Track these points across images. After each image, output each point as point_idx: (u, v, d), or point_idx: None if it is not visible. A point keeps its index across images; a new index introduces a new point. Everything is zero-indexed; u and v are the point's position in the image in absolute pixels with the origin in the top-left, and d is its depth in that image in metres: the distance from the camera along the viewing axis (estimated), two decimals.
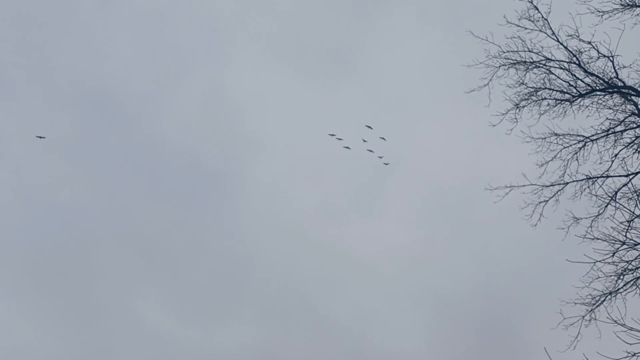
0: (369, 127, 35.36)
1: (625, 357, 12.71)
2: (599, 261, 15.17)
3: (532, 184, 17.60)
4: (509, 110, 17.58)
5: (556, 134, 17.26)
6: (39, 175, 61.43)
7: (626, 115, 16.63)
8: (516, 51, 17.20)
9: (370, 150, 34.72)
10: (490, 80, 17.59)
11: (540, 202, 17.61)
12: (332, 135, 34.84)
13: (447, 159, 63.35)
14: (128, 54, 64.66)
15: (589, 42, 16.51)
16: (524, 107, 17.47)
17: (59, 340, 52.59)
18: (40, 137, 33.86)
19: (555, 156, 17.32)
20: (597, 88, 16.82)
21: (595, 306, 15.47)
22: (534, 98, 17.44)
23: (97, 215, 62.51)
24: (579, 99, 17.12)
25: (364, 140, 35.07)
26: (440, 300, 54.97)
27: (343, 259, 62.25)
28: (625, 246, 15.01)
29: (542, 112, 17.37)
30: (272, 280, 61.39)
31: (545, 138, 17.33)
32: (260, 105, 70.45)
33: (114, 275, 57.89)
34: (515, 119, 17.53)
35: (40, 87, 63.20)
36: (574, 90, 17.06)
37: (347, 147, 34.55)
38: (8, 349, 49.35)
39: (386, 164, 34.48)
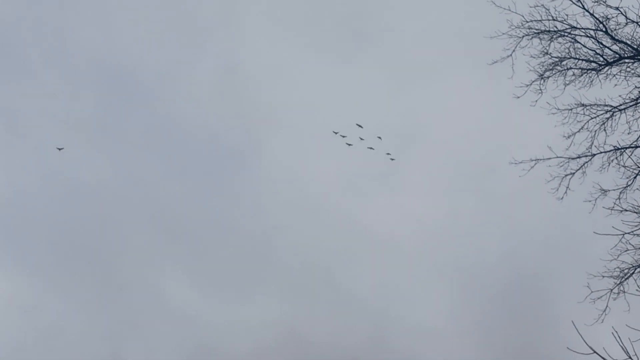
0: (359, 125, 35.00)
1: None
2: (628, 233, 14.90)
3: (558, 157, 17.22)
4: (533, 82, 17.15)
5: (583, 105, 16.84)
6: (60, 155, 61.93)
7: None
8: (540, 20, 16.72)
9: (371, 148, 34.35)
10: (514, 51, 17.17)
11: (566, 175, 17.26)
12: (336, 133, 34.47)
13: (469, 131, 62.56)
14: (144, 30, 64.41)
15: (617, 8, 15.98)
16: (548, 77, 17.03)
17: (86, 317, 53.48)
18: (60, 149, 34.70)
19: (582, 127, 16.92)
20: (626, 55, 16.32)
21: (623, 279, 15.25)
22: (558, 68, 16.98)
23: (119, 194, 63.03)
24: (606, 68, 16.64)
25: (361, 139, 34.71)
26: (465, 273, 54.52)
27: (365, 233, 62.08)
28: None
29: (567, 82, 16.93)
30: (295, 255, 61.55)
31: (571, 109, 16.91)
32: (277, 78, 69.88)
33: (138, 253, 58.52)
34: (540, 90, 17.11)
35: (57, 66, 63.42)
36: (601, 59, 16.57)
37: (349, 144, 34.25)
38: (37, 327, 50.40)
39: (392, 159, 34.20)
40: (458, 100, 63.82)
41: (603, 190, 16.22)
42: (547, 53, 17.03)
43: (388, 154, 33.71)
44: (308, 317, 54.24)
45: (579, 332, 12.06)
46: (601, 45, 16.60)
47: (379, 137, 33.79)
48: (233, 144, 67.05)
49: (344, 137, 33.71)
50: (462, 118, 60.86)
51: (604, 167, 16.67)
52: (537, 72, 17.04)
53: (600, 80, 16.80)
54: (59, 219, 59.58)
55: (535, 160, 17.48)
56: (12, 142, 62.57)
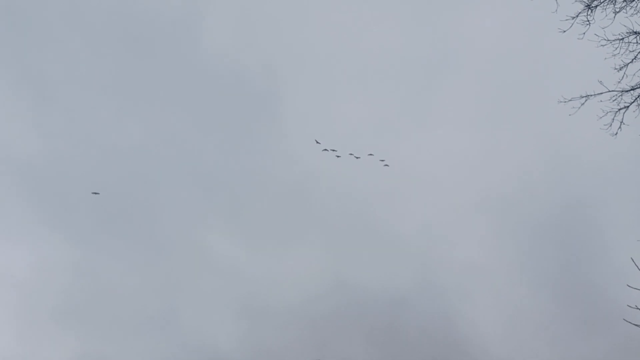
0: (317, 142, 33.98)
1: None
2: None
3: (610, 91, 16.07)
4: (579, 13, 15.82)
5: (636, 33, 15.52)
6: (91, 119, 61.92)
7: None
8: None
9: (371, 154, 33.42)
10: None
11: (620, 109, 16.14)
12: (318, 143, 33.53)
13: (502, 58, 60.20)
14: None
15: None
16: (596, 7, 15.68)
17: (138, 276, 54.56)
18: (95, 193, 35.17)
19: (635, 57, 15.65)
20: None
21: None
22: None
23: (152, 154, 63.07)
24: None
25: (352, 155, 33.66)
26: (509, 205, 53.15)
27: (401, 174, 61.10)
28: None
29: (617, 9, 15.57)
30: (332, 201, 61.17)
31: (622, 38, 15.61)
32: (297, 14, 67.76)
33: (179, 211, 58.89)
34: (588, 21, 15.80)
35: (78, 29, 62.78)
36: None
37: (338, 156, 33.33)
38: (92, 289, 51.64)
39: (386, 166, 33.34)
40: (491, 25, 61.12)
41: None
42: None
43: (382, 160, 33.05)
44: (353, 264, 54.21)
45: (639, 268, 11.42)
46: None
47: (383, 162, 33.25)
48: (259, 90, 65.43)
49: (326, 150, 33.15)
50: (499, 45, 58.40)
51: None
52: (584, 2, 15.70)
53: None
54: (97, 183, 60.03)
55: (585, 96, 16.38)
56: (42, 108, 62.67)
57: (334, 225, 54.73)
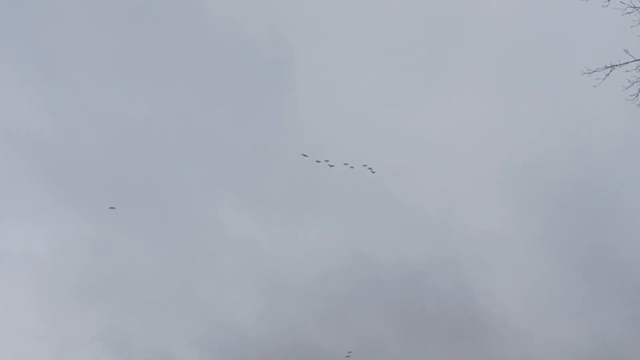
0: (305, 155, 33.13)
1: None
2: None
3: (637, 60, 15.20)
4: None
5: None
6: (101, 95, 61.44)
7: None
8: None
9: (351, 166, 32.62)
10: None
11: None
12: (305, 155, 32.73)
13: (520, 23, 58.30)
14: None
15: None
16: None
17: (155, 254, 54.64)
18: (112, 208, 35.60)
19: None
20: None
21: None
22: None
23: (163, 129, 62.30)
24: None
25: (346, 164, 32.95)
26: (528, 174, 51.64)
27: (416, 143, 59.96)
28: None
29: None
30: (346, 173, 60.25)
31: None
32: None
33: (193, 186, 58.53)
34: None
35: (82, 6, 61.92)
36: None
37: (331, 165, 32.44)
38: (109, 267, 51.83)
39: (373, 172, 32.59)
40: None
41: None
42: None
43: (365, 165, 32.23)
44: (369, 237, 53.54)
45: None
46: None
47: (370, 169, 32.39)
48: (268, 58, 63.85)
49: (327, 161, 32.47)
50: (517, 10, 56.45)
51: None
52: None
53: None
54: (110, 160, 59.85)
55: (610, 66, 15.56)
56: (50, 85, 62.27)
57: (348, 198, 54.05)
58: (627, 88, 15.72)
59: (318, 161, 31.98)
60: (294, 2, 61.82)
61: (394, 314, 47.11)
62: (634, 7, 14.78)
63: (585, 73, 15.66)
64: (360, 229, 53.15)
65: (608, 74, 15.70)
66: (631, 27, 15.10)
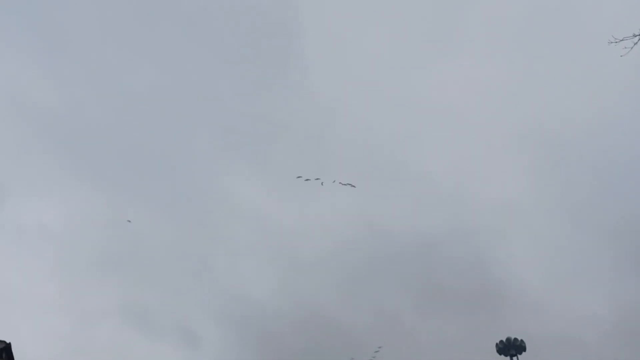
0: (299, 177, 32.27)
1: None
2: None
3: None
4: None
5: None
6: (106, 64, 60.24)
7: None
8: None
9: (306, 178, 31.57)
10: None
11: None
12: (300, 177, 31.78)
13: None
14: None
15: None
16: None
17: (170, 225, 54.26)
18: (129, 221, 36.83)
19: None
20: None
21: None
22: None
23: (171, 98, 61.19)
24: None
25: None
26: (546, 139, 49.37)
27: (428, 108, 58.19)
28: None
29: None
30: (356, 140, 58.64)
31: None
32: None
33: (199, 155, 57.46)
34: None
35: None
36: None
37: (322, 183, 31.46)
38: (123, 240, 51.42)
39: (322, 184, 31.44)
40: None
41: None
42: None
43: (352, 185, 31.23)
44: (381, 204, 52.27)
45: None
46: None
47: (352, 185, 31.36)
48: (275, 22, 61.50)
49: (317, 179, 31.65)
50: None
51: None
52: None
53: None
54: (119, 130, 58.99)
55: (639, 35, 14.28)
56: (55, 57, 61.10)
57: (358, 165, 52.65)
58: None
59: (308, 179, 31.40)
60: None
61: (410, 285, 46.45)
62: None
63: (612, 42, 14.47)
64: (370, 196, 51.89)
65: (636, 43, 14.48)
66: None
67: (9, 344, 17.72)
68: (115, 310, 51.72)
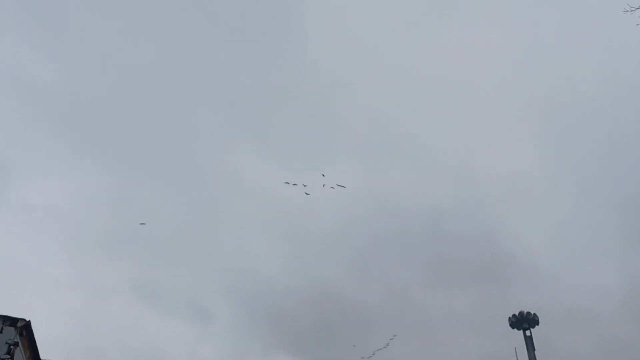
0: (287, 182, 32.40)
1: None
2: None
3: None
4: None
5: None
6: (105, 40, 60.02)
7: None
8: None
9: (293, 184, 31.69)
10: None
11: None
12: (287, 183, 32.00)
13: None
14: None
15: None
16: None
17: (176, 204, 54.49)
18: (142, 224, 37.86)
19: None
20: None
21: None
22: None
23: (171, 75, 60.96)
24: None
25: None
26: (554, 109, 48.79)
27: (432, 79, 57.78)
28: None
29: None
30: (360, 114, 58.53)
31: None
32: None
33: (203, 131, 57.58)
34: None
35: None
36: None
37: (307, 193, 31.57)
38: (131, 217, 51.85)
39: (307, 194, 31.45)
40: None
41: None
42: None
43: (342, 186, 31.24)
44: (387, 178, 52.05)
45: None
46: None
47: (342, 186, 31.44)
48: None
49: (295, 184, 31.69)
50: None
51: None
52: None
53: None
54: (121, 107, 59.01)
55: None
56: (53, 34, 60.87)
57: (363, 139, 52.47)
58: None
59: (295, 184, 31.68)
60: None
61: (420, 261, 46.65)
62: None
63: (627, 11, 14.31)
64: (376, 170, 51.80)
65: None
66: None
67: (29, 321, 17.96)
68: (127, 287, 52.41)
